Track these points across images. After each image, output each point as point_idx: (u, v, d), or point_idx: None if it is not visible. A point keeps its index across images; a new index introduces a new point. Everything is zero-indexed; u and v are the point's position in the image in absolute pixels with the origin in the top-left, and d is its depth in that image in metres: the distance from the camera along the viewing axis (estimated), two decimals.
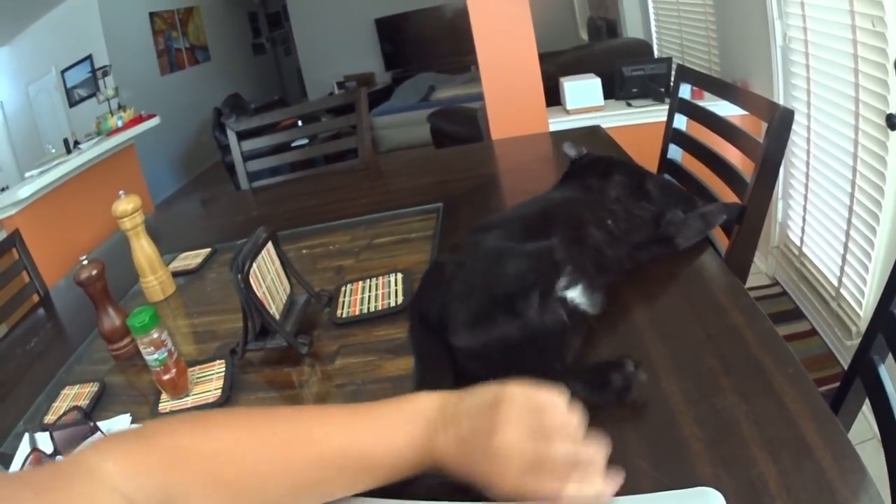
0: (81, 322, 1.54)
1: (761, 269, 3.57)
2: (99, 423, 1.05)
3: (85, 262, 1.33)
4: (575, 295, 1.11)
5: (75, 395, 1.22)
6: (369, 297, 1.35)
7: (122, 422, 1.11)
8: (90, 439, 1.01)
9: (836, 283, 2.76)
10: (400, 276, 1.41)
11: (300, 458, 0.74)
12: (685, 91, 2.09)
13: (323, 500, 0.75)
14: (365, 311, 1.31)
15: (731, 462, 0.85)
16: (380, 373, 1.13)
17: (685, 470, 0.85)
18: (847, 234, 2.61)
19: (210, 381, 1.18)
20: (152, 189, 5.43)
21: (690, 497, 0.80)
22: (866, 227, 2.43)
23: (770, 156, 1.53)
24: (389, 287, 1.38)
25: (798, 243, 3.14)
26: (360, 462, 0.76)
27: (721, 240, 1.59)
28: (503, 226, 1.25)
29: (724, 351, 1.04)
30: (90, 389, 1.23)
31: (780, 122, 1.52)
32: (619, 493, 0.80)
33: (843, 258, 2.66)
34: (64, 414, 1.07)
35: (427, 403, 0.79)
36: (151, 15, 7.57)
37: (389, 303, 1.32)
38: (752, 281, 3.43)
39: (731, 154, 1.78)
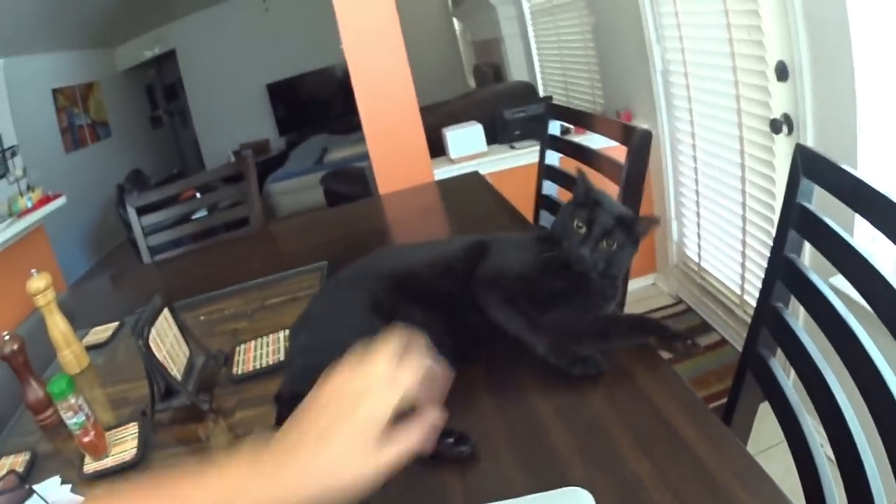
0: (11, 397, 1.54)
1: (664, 290, 3.61)
2: (33, 486, 1.12)
3: (6, 338, 1.38)
4: None
5: (10, 465, 1.26)
6: (261, 353, 1.45)
7: (53, 483, 1.17)
8: (27, 502, 1.08)
9: (738, 292, 2.80)
10: (287, 332, 1.49)
11: None
12: (555, 128, 2.09)
13: None
14: (258, 366, 1.40)
15: (602, 464, 0.87)
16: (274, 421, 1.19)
17: (557, 475, 0.87)
18: (744, 243, 2.64)
19: (125, 441, 1.24)
20: (65, 269, 5.26)
21: (559, 497, 0.81)
22: (761, 232, 2.47)
23: (631, 176, 1.55)
24: (279, 343, 1.48)
25: (696, 259, 3.18)
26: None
27: None
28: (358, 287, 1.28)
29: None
30: (23, 458, 1.27)
31: (639, 143, 1.55)
32: (493, 500, 0.83)
33: (743, 266, 2.70)
34: (1, 478, 1.14)
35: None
36: (54, 91, 7.27)
37: (279, 357, 1.42)
38: (655, 302, 3.52)
39: (607, 185, 1.69)
